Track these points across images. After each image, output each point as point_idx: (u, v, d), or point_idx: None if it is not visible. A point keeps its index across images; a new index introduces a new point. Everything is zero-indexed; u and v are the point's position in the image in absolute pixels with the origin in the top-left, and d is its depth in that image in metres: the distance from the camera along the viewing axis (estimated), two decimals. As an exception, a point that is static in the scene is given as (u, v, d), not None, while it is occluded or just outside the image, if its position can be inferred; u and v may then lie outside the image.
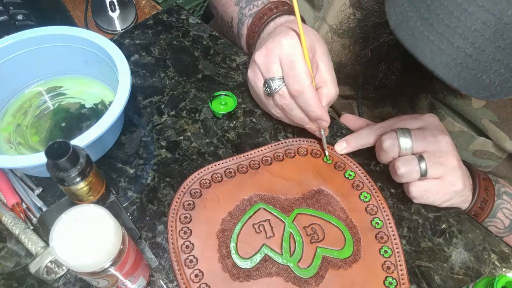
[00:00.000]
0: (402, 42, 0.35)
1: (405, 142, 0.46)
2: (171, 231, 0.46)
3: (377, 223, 0.47)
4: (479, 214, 0.50)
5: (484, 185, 0.49)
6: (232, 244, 0.46)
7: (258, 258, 0.45)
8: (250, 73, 0.51)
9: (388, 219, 0.48)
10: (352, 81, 0.61)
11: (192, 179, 0.50)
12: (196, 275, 0.44)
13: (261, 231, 0.47)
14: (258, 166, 0.52)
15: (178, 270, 0.44)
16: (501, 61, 0.32)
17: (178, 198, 0.49)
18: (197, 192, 0.49)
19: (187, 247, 0.45)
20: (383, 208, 0.48)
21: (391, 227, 0.47)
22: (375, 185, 0.50)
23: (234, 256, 0.45)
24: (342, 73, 0.59)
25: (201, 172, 0.51)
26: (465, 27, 0.31)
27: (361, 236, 0.46)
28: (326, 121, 0.47)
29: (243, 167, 0.51)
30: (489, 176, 0.51)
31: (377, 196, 0.49)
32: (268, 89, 0.47)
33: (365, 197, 0.49)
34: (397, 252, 0.45)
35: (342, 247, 0.46)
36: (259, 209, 0.48)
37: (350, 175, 0.51)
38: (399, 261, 0.45)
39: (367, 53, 0.51)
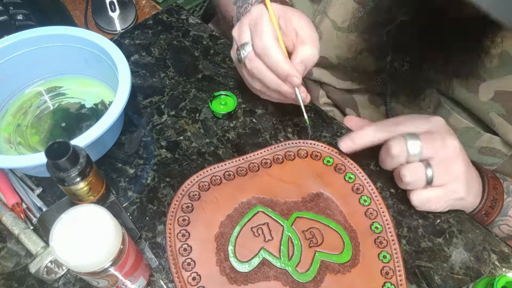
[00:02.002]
0: None
1: (414, 148, 0.45)
2: (169, 233, 0.46)
3: (377, 227, 0.47)
4: (490, 213, 0.49)
5: (493, 184, 0.49)
6: (230, 248, 0.45)
7: (256, 261, 0.45)
8: (232, 53, 0.51)
9: (387, 224, 0.47)
10: (360, 75, 0.60)
11: (191, 182, 0.50)
12: (194, 278, 0.43)
13: (259, 234, 0.46)
14: (258, 168, 0.51)
15: (176, 273, 0.44)
16: None
17: (176, 201, 0.48)
18: (196, 194, 0.49)
19: (185, 249, 0.45)
20: (382, 212, 0.48)
21: (390, 232, 0.47)
22: (375, 189, 0.50)
23: (232, 259, 0.45)
24: (349, 67, 0.58)
25: (200, 175, 0.51)
26: None
27: (360, 241, 0.46)
28: (296, 76, 0.46)
29: (242, 170, 0.51)
30: (496, 174, 0.51)
31: (377, 200, 0.49)
32: (239, 56, 0.48)
33: (365, 200, 0.49)
34: (396, 258, 0.45)
35: (341, 252, 0.45)
36: (257, 212, 0.48)
37: (350, 177, 0.51)
38: (398, 266, 0.44)
39: (383, 37, 0.50)
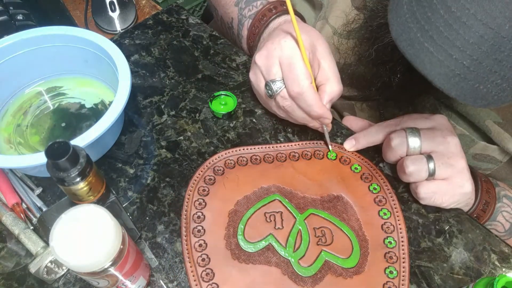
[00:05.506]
0: (402, 52, 0.36)
1: (414, 141, 0.46)
2: (188, 199, 0.49)
3: (390, 242, 0.46)
4: (481, 216, 0.49)
5: (486, 188, 0.49)
6: (241, 226, 0.47)
7: (261, 245, 0.46)
8: (251, 75, 0.51)
9: (402, 241, 0.46)
10: (356, 83, 0.60)
11: (218, 157, 0.52)
12: (200, 245, 0.46)
13: (271, 220, 0.47)
14: (285, 159, 0.52)
15: (185, 237, 0.46)
16: (498, 72, 0.33)
17: (201, 171, 0.51)
18: (220, 169, 0.51)
19: (198, 217, 0.47)
20: (400, 229, 0.47)
21: (403, 250, 0.46)
22: (398, 204, 0.49)
23: (239, 237, 0.46)
24: (345, 74, 0.59)
25: (228, 153, 0.52)
26: (463, 40, 0.32)
27: (370, 251, 0.46)
28: (328, 118, 0.48)
29: (270, 157, 0.52)
30: (489, 178, 0.51)
31: (397, 216, 0.48)
32: (270, 91, 0.48)
33: (385, 214, 0.48)
34: (403, 276, 0.44)
35: (347, 256, 0.45)
36: (274, 199, 0.49)
37: (375, 188, 0.50)
38: (403, 285, 0.44)
39: (371, 54, 0.51)
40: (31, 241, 0.44)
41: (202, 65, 0.63)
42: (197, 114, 0.58)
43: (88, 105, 0.57)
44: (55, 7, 0.72)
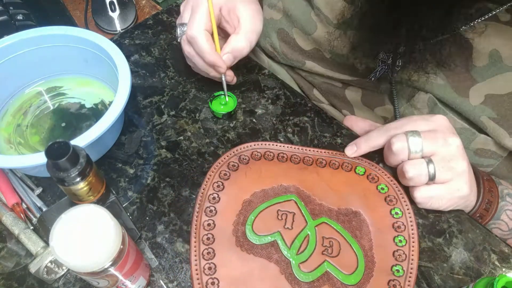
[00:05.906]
0: None
1: (415, 145, 0.46)
2: (207, 179, 0.50)
3: (398, 270, 0.44)
4: (484, 216, 0.49)
5: (488, 187, 0.49)
6: (251, 217, 0.47)
7: (267, 239, 0.46)
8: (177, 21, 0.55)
9: (411, 272, 0.44)
10: (350, 72, 0.59)
11: (245, 147, 0.53)
12: (209, 224, 0.47)
13: (282, 219, 0.47)
14: (311, 163, 0.52)
15: (197, 213, 0.47)
16: None
17: (227, 156, 0.52)
18: (245, 159, 0.52)
19: (213, 198, 0.49)
20: (412, 259, 0.45)
21: (409, 280, 0.44)
22: (416, 232, 0.47)
23: (247, 227, 0.47)
24: (341, 63, 0.58)
25: (256, 144, 0.53)
26: None
27: (374, 274, 0.44)
28: (221, 67, 0.50)
29: (296, 158, 0.53)
30: (492, 177, 0.51)
31: (412, 245, 0.46)
32: (176, 34, 0.51)
33: (400, 241, 0.46)
34: None
35: (350, 273, 0.44)
36: (290, 200, 0.49)
37: (397, 213, 0.48)
38: None
39: (373, 35, 0.50)
40: (31, 241, 0.44)
41: (202, 65, 0.63)
42: (197, 114, 0.58)
43: (88, 105, 0.57)
44: (55, 7, 0.72)
